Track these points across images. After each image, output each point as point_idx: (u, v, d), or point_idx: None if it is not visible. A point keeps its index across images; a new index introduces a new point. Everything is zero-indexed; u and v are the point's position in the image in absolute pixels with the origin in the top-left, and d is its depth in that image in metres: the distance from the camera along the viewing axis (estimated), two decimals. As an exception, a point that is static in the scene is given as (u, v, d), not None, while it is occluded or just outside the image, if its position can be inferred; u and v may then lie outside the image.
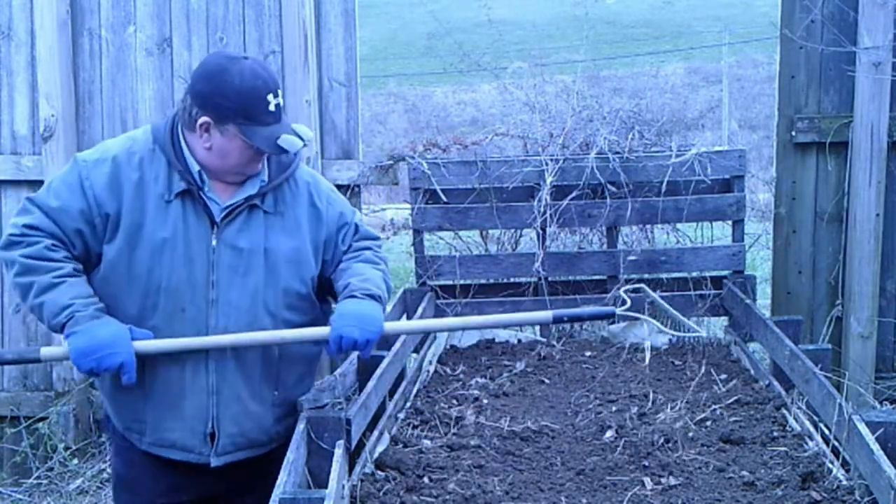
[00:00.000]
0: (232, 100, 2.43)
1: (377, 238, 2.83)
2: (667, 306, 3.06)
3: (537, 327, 4.76)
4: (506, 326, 2.94)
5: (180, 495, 2.71)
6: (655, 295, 3.19)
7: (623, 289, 3.16)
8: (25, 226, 2.48)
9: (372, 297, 2.59)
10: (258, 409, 2.63)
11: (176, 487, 2.69)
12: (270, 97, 2.47)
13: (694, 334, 2.90)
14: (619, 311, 2.91)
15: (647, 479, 2.76)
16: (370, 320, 2.56)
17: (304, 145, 2.52)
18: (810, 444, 2.96)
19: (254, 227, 2.58)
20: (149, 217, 2.50)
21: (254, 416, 2.62)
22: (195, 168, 2.53)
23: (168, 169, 2.53)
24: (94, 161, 2.52)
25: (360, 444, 2.86)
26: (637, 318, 2.99)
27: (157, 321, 2.51)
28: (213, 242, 2.53)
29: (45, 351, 2.58)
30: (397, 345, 3.50)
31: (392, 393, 3.44)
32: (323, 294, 2.77)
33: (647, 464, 2.87)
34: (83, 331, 2.41)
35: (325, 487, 2.33)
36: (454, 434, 3.18)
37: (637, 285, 3.25)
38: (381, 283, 2.66)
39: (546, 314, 2.86)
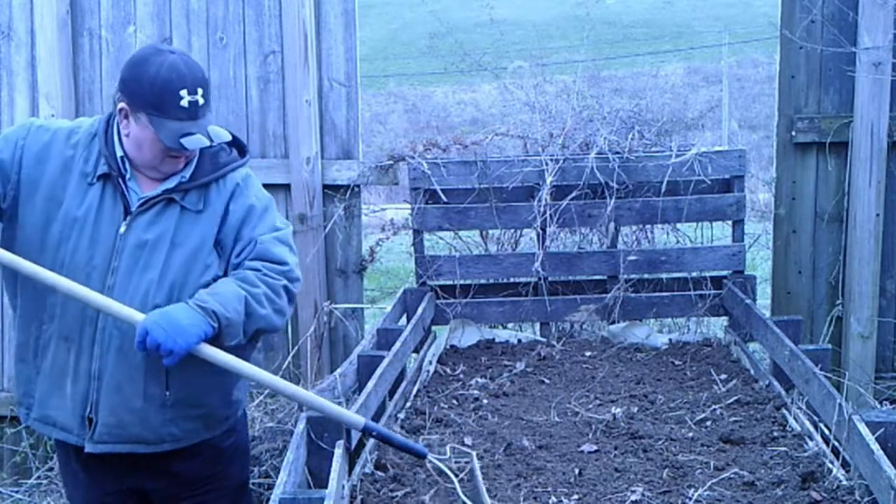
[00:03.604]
0: (145, 88, 2.45)
1: (282, 263, 2.60)
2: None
3: (537, 327, 4.77)
4: (317, 410, 2.71)
5: (104, 487, 2.69)
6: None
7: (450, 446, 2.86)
8: None
9: (204, 310, 2.42)
10: (143, 405, 2.54)
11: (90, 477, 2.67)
12: (184, 93, 2.45)
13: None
14: (431, 456, 2.65)
15: (647, 480, 2.76)
16: (182, 332, 2.38)
17: (211, 145, 2.51)
18: (810, 444, 2.96)
19: (165, 221, 2.55)
20: (68, 194, 2.53)
21: (137, 411, 2.55)
22: (118, 154, 2.56)
23: (98, 153, 2.57)
24: (38, 128, 2.59)
25: (360, 444, 2.86)
26: (445, 472, 2.66)
27: (56, 296, 2.51)
28: (122, 230, 2.53)
29: None
30: (397, 345, 3.50)
31: (392, 393, 3.44)
32: None
33: (647, 464, 2.87)
34: None
35: (325, 487, 2.34)
36: (454, 434, 3.18)
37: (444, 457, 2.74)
38: (230, 302, 2.46)
39: (359, 420, 2.62)
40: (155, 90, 2.44)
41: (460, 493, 2.57)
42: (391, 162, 4.81)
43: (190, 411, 2.60)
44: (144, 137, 2.49)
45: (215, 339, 2.45)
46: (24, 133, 2.57)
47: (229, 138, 2.58)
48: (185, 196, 2.58)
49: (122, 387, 2.53)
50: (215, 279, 2.55)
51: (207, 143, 2.49)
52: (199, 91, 2.48)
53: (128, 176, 2.55)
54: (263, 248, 2.59)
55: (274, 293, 2.56)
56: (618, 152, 4.51)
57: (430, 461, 2.66)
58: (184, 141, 2.46)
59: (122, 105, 2.50)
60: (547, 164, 4.50)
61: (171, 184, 2.57)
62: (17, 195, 2.53)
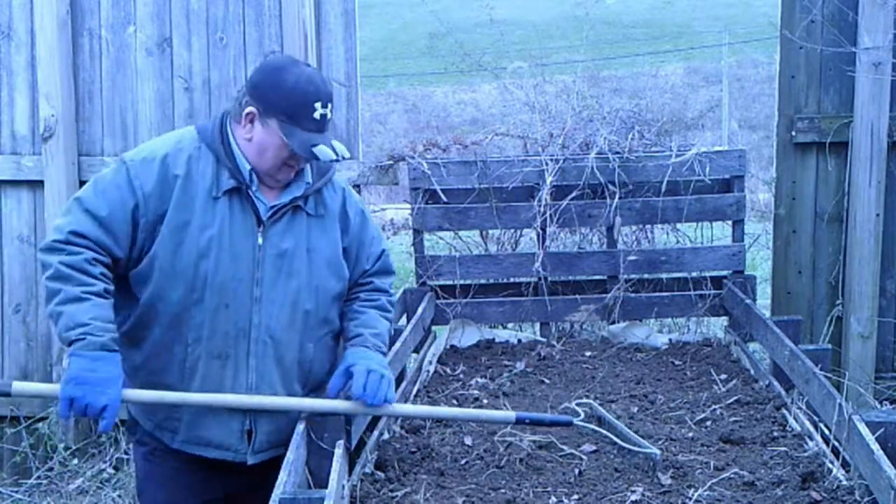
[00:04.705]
0: (281, 95, 2.51)
1: (394, 273, 2.91)
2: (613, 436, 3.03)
3: (537, 327, 4.76)
4: (469, 421, 3.11)
5: (207, 493, 2.74)
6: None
7: (575, 401, 3.29)
8: (71, 232, 2.48)
9: (383, 353, 2.75)
10: None
11: (204, 485, 2.72)
12: (318, 105, 2.53)
13: (645, 450, 2.90)
14: (576, 421, 3.00)
15: (647, 480, 2.76)
16: (389, 379, 2.69)
17: (337, 159, 2.57)
18: (810, 444, 2.96)
19: (297, 228, 2.64)
20: (196, 214, 2.54)
21: (289, 413, 2.66)
22: (246, 167, 2.59)
23: (216, 166, 2.58)
24: (142, 160, 2.56)
25: (360, 444, 2.86)
26: (595, 430, 3.07)
27: (202, 316, 2.55)
28: (260, 241, 2.59)
29: (18, 386, 2.51)
30: (397, 345, 3.50)
31: (392, 393, 3.43)
32: None
33: (647, 464, 2.87)
34: (88, 357, 2.39)
35: (325, 487, 2.34)
36: (454, 434, 3.18)
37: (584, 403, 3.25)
38: (387, 337, 2.81)
39: (509, 414, 2.94)
40: (294, 99, 2.51)
41: (619, 440, 2.96)
42: (391, 162, 4.81)
43: None
44: (271, 143, 2.54)
45: None
46: (135, 172, 2.53)
47: (349, 155, 2.71)
48: (306, 202, 2.66)
49: (278, 393, 2.63)
50: (348, 284, 2.76)
51: (334, 156, 2.54)
52: (329, 106, 2.56)
53: (254, 187, 2.59)
54: (386, 262, 2.88)
55: (393, 307, 2.91)
56: (618, 152, 4.51)
57: (577, 425, 2.99)
58: (316, 150, 2.51)
59: (250, 109, 2.54)
60: (547, 164, 4.50)
61: (298, 191, 2.64)
62: (152, 235, 2.52)
